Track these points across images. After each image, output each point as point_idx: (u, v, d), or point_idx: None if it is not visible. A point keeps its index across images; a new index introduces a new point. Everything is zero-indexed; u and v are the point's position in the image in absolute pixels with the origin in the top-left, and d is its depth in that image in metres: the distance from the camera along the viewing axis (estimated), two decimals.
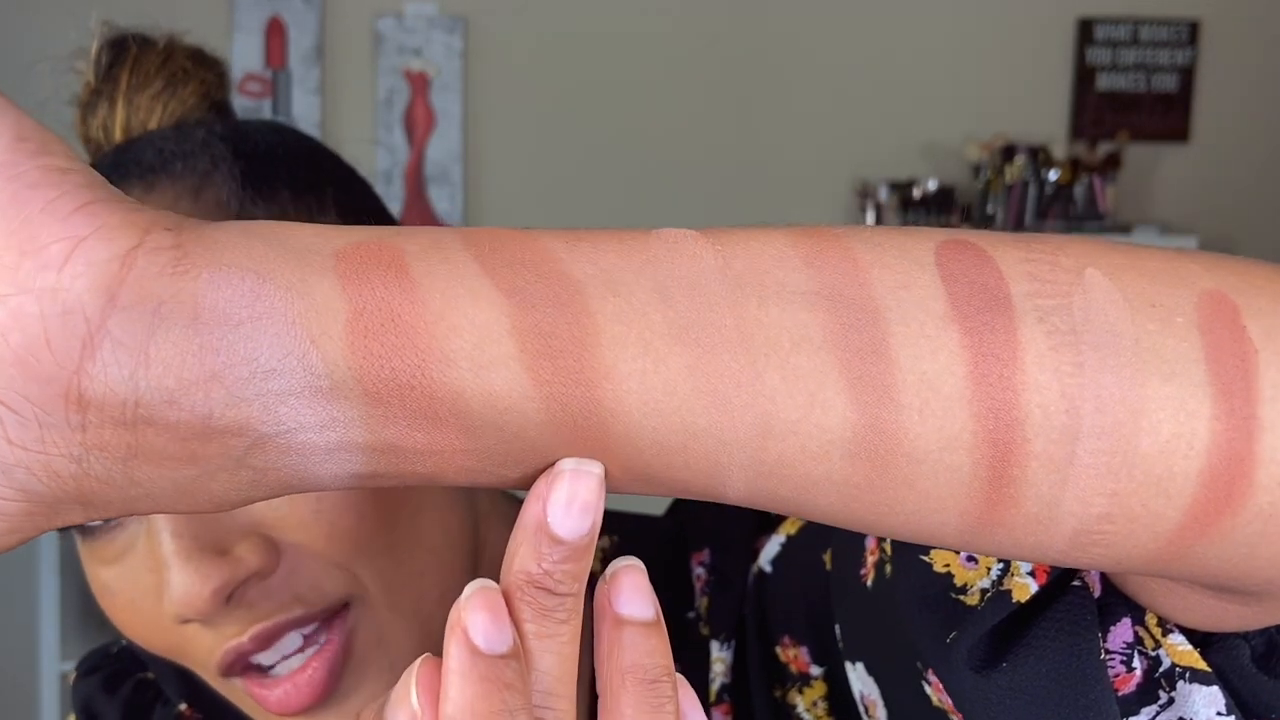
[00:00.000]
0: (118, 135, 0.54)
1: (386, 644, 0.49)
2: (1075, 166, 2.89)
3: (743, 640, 0.56)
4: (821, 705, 0.53)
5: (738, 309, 0.28)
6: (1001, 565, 0.41)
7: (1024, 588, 0.40)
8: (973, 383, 0.28)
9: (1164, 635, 0.38)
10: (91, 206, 0.27)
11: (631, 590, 0.31)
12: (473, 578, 0.54)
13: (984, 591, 0.41)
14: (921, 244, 0.29)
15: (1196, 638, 0.37)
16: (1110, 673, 0.38)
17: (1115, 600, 0.39)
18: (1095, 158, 2.92)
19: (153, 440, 0.27)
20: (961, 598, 0.42)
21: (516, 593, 0.30)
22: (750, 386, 0.28)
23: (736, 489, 0.29)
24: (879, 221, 2.87)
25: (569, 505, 0.29)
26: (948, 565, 0.43)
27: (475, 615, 0.29)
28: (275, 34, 2.78)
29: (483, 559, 0.56)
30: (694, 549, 0.60)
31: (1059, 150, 2.91)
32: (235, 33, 2.74)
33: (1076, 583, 0.39)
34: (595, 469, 0.29)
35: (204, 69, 0.56)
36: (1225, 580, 0.31)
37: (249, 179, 0.50)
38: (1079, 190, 2.90)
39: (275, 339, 0.27)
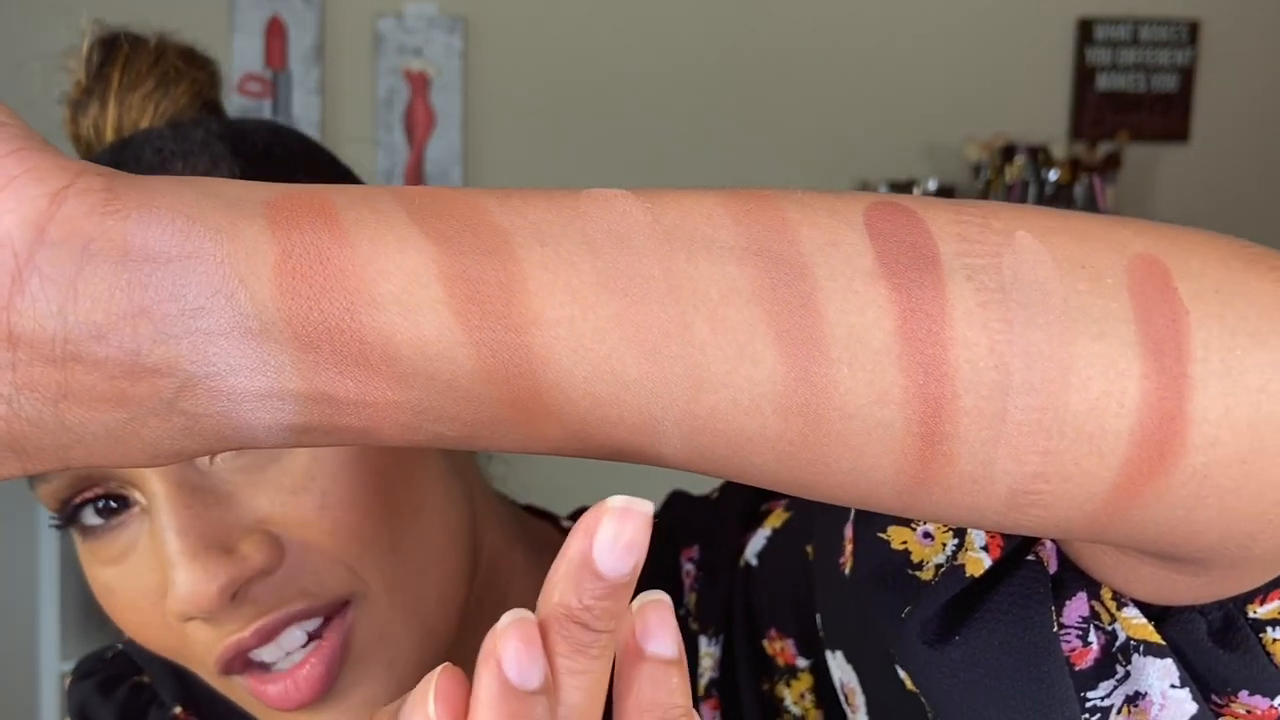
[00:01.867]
0: (109, 135, 0.54)
1: (387, 642, 0.49)
2: (1075, 166, 2.89)
3: (730, 635, 0.56)
4: (809, 697, 0.53)
5: (666, 261, 0.28)
6: (956, 541, 0.41)
7: (977, 562, 0.40)
8: (901, 338, 0.28)
9: (1119, 609, 0.38)
10: (24, 151, 0.27)
11: (659, 626, 0.31)
12: (471, 578, 0.54)
13: (938, 567, 0.42)
14: (851, 205, 0.30)
15: (1154, 611, 0.37)
16: (1066, 647, 0.38)
17: (1071, 575, 0.39)
18: (1095, 158, 2.92)
19: (82, 379, 0.27)
20: (917, 574, 0.42)
21: (554, 625, 0.29)
22: (679, 337, 0.28)
23: (673, 446, 0.30)
24: None
25: (614, 543, 0.28)
26: (905, 542, 0.43)
27: (510, 646, 0.29)
28: (275, 34, 2.78)
29: (481, 559, 0.56)
30: (684, 545, 0.60)
31: (1059, 150, 2.91)
32: (235, 33, 2.75)
33: (1031, 557, 0.39)
34: (645, 508, 0.28)
35: (196, 68, 0.56)
36: (1166, 546, 0.31)
37: (247, 178, 0.50)
38: (1079, 190, 2.90)
39: (204, 277, 0.27)
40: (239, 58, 2.75)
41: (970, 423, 0.28)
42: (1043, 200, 2.88)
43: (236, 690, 0.49)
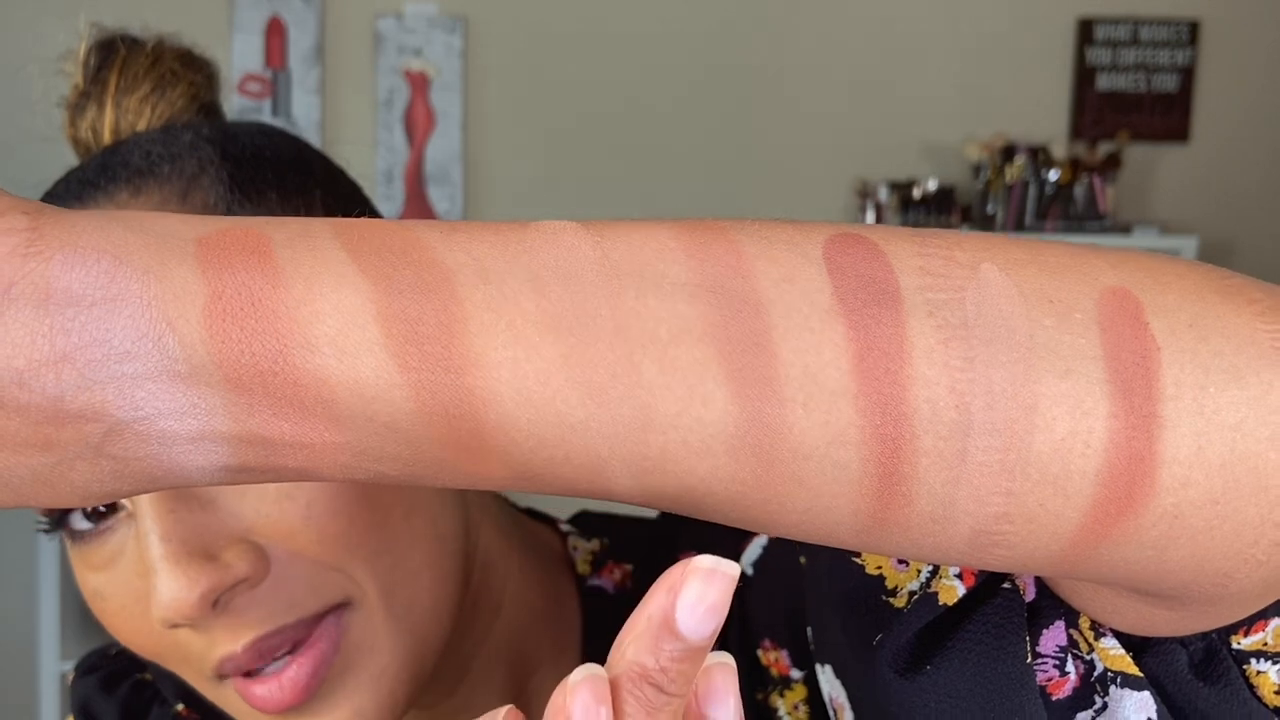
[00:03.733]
0: (106, 137, 0.54)
1: (378, 650, 0.48)
2: (1075, 166, 2.89)
3: (724, 643, 0.56)
4: (803, 709, 0.53)
5: (614, 299, 0.28)
6: (931, 568, 0.41)
7: (951, 590, 0.39)
8: (858, 377, 0.27)
9: (1096, 639, 0.37)
10: None
11: (724, 692, 0.30)
12: (464, 582, 0.54)
13: (912, 594, 0.41)
14: (810, 238, 0.29)
15: (1133, 641, 0.37)
16: (1043, 676, 0.37)
17: (1049, 603, 0.38)
18: (1095, 158, 2.91)
19: (5, 424, 0.27)
20: (890, 600, 0.42)
21: (627, 684, 0.28)
22: (627, 378, 0.27)
23: (623, 485, 0.29)
24: (879, 221, 2.87)
25: (698, 604, 0.27)
26: (880, 568, 0.42)
27: (581, 703, 0.28)
28: (275, 34, 2.78)
29: (474, 563, 0.56)
30: (683, 552, 0.60)
31: (1059, 150, 2.91)
32: (235, 33, 2.75)
33: (1007, 585, 0.39)
34: (731, 570, 0.27)
35: (193, 70, 0.56)
36: (1138, 583, 0.31)
37: (236, 182, 0.50)
38: (1079, 190, 2.90)
39: (130, 321, 0.26)
40: (239, 58, 2.75)
41: (930, 464, 0.28)
42: (1042, 200, 2.88)
43: (227, 698, 0.49)
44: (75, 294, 0.26)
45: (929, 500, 0.28)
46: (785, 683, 0.53)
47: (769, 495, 0.28)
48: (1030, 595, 0.38)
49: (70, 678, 0.67)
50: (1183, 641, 0.36)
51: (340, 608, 0.48)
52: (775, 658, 0.53)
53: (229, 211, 0.49)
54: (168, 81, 0.54)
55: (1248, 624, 0.35)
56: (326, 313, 0.27)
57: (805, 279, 0.28)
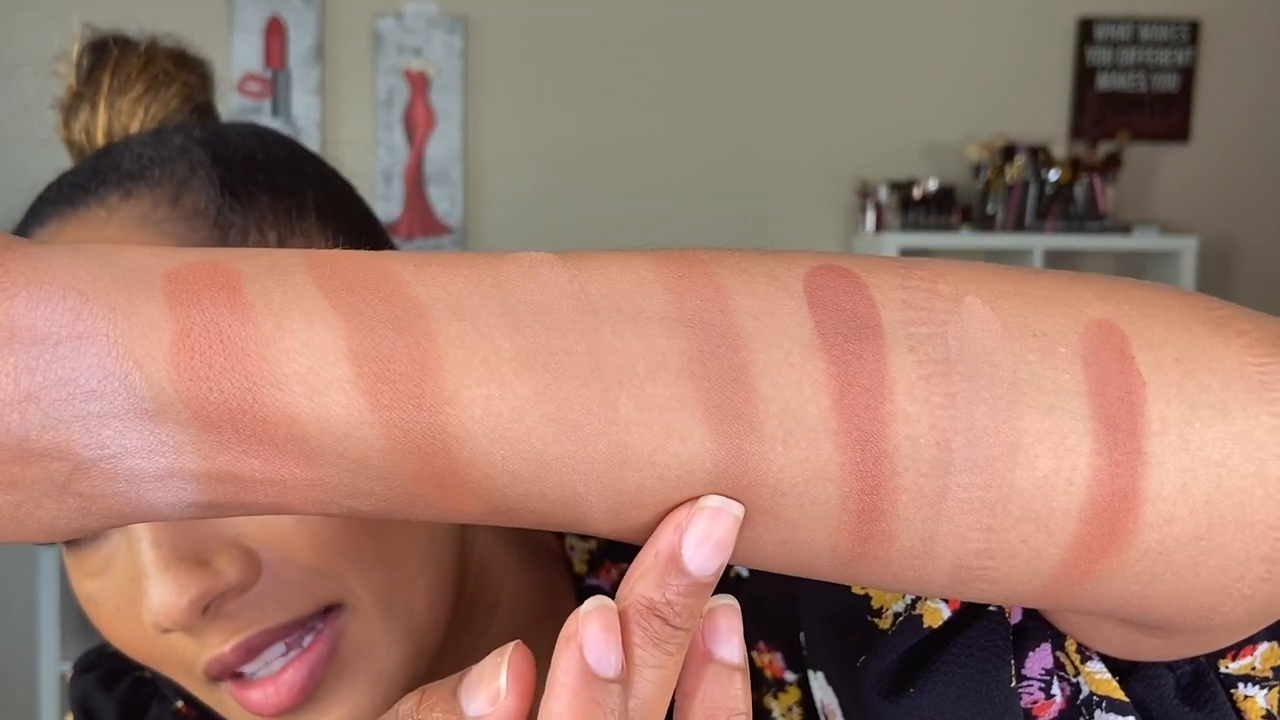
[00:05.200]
0: (100, 139, 0.54)
1: (374, 653, 0.48)
2: (1075, 166, 2.89)
3: None
4: (796, 711, 0.53)
5: (590, 335, 0.27)
6: None
7: (936, 613, 0.39)
8: (838, 413, 0.27)
9: (1083, 662, 0.37)
10: None
11: (728, 631, 0.31)
12: (460, 584, 0.54)
13: (897, 615, 0.41)
14: (791, 270, 0.29)
15: (1121, 665, 0.36)
16: (1028, 699, 0.37)
17: (1035, 625, 0.38)
18: (1095, 158, 2.91)
19: None
20: (875, 620, 0.41)
21: (635, 616, 0.29)
22: (602, 415, 0.27)
23: (600, 519, 0.29)
24: (879, 221, 2.87)
25: (704, 541, 0.28)
26: (865, 588, 0.42)
27: (592, 632, 0.28)
28: (275, 34, 2.78)
29: (470, 564, 0.56)
30: None
31: (1059, 150, 2.91)
32: (235, 33, 2.75)
33: (992, 608, 0.38)
34: (736, 510, 0.28)
35: (186, 71, 0.55)
36: (1124, 616, 0.30)
37: (227, 184, 0.49)
38: (1079, 190, 2.90)
39: (95, 359, 0.26)
40: (238, 57, 2.75)
41: (910, 500, 0.27)
42: (1042, 200, 2.88)
43: (223, 702, 0.49)
44: (40, 332, 0.26)
45: (909, 536, 0.28)
46: (780, 685, 0.53)
47: (747, 531, 0.28)
48: (1016, 618, 0.38)
49: (69, 676, 0.67)
50: (1170, 666, 0.36)
51: (334, 609, 0.48)
52: (769, 660, 0.53)
53: (218, 213, 0.48)
54: (161, 82, 0.54)
55: (1236, 648, 0.35)
56: (296, 350, 0.27)
57: (785, 313, 0.28)
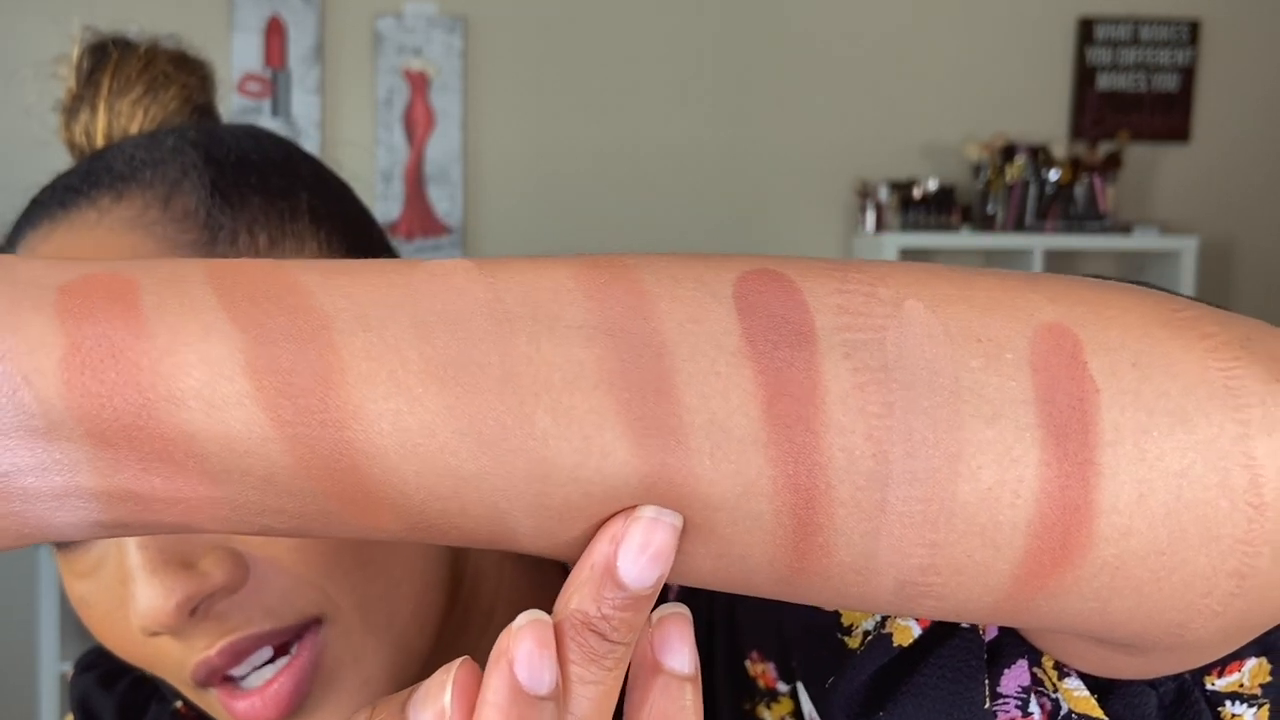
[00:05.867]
0: (100, 141, 0.54)
1: (359, 662, 0.48)
2: (1075, 166, 2.89)
3: (713, 652, 0.55)
4: None
5: (505, 344, 0.26)
6: None
7: (906, 631, 0.38)
8: (768, 424, 0.26)
9: (1060, 678, 0.35)
10: None
11: (678, 641, 0.30)
12: (452, 591, 0.54)
13: (866, 634, 0.39)
14: (721, 275, 0.27)
15: (1101, 682, 0.35)
16: (1004, 717, 0.36)
17: (1010, 641, 0.36)
18: (1095, 157, 2.91)
19: None
20: (845, 638, 0.40)
21: (570, 631, 0.28)
22: (518, 429, 0.26)
23: (528, 536, 0.27)
24: (879, 221, 2.87)
25: (641, 551, 0.26)
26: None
27: (524, 649, 0.27)
28: (275, 34, 2.78)
29: (464, 570, 0.55)
30: None
31: (1059, 150, 2.91)
32: (235, 32, 2.75)
33: (965, 625, 0.37)
34: (674, 519, 0.26)
35: (186, 72, 0.55)
36: (1086, 632, 0.29)
37: (218, 186, 0.49)
38: (1079, 190, 2.90)
39: None
40: (238, 57, 2.75)
41: (847, 514, 0.26)
42: (1042, 200, 2.88)
43: (214, 706, 0.49)
44: None
45: (848, 551, 0.27)
46: (772, 695, 0.52)
47: (682, 544, 0.27)
48: (992, 634, 0.37)
49: (70, 676, 0.67)
50: (1152, 683, 0.34)
51: (317, 622, 0.47)
52: (763, 669, 0.53)
53: (209, 216, 0.48)
54: (160, 84, 0.54)
55: (1222, 664, 0.33)
56: (192, 364, 0.25)
57: (712, 319, 0.26)
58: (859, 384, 0.26)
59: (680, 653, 0.29)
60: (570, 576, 0.28)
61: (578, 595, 0.28)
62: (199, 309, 0.26)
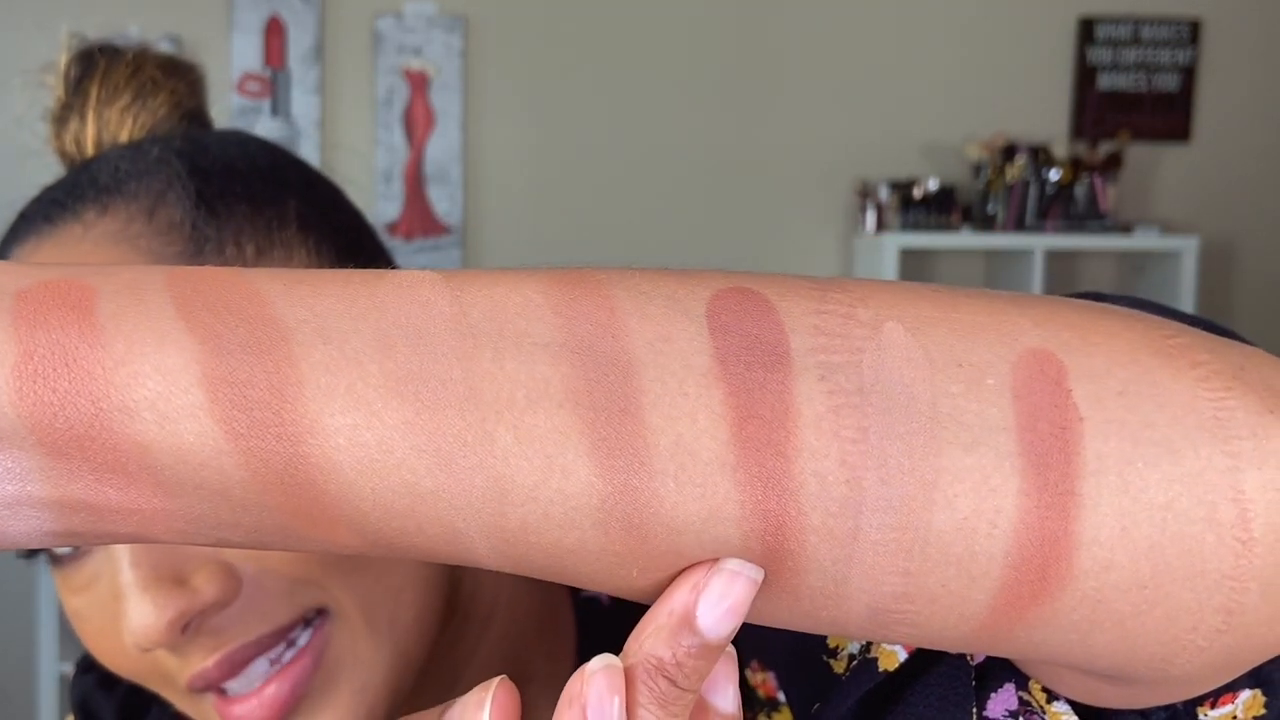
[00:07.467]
0: (90, 149, 0.54)
1: (358, 664, 0.48)
2: (1076, 166, 2.89)
3: None
4: None
5: (468, 360, 0.26)
6: None
7: (891, 656, 0.37)
8: (736, 447, 0.25)
9: (1048, 702, 0.35)
10: None
11: (725, 680, 0.29)
12: (450, 595, 0.54)
13: (851, 658, 0.39)
14: (695, 292, 0.27)
15: (1092, 708, 0.34)
16: None
17: (997, 664, 0.36)
18: (1096, 157, 2.91)
19: None
20: (830, 661, 0.40)
21: (641, 675, 0.27)
22: (478, 447, 0.25)
23: (484, 554, 0.27)
24: (879, 221, 2.87)
25: (719, 603, 0.26)
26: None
27: (596, 693, 0.27)
28: (274, 33, 2.78)
29: (464, 573, 0.55)
30: None
31: (1060, 150, 2.91)
32: (234, 32, 2.74)
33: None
34: (754, 573, 0.26)
35: (175, 78, 0.55)
36: (1068, 663, 0.29)
37: (203, 196, 0.49)
38: (1080, 190, 2.90)
39: None
40: (238, 57, 2.75)
41: (819, 541, 0.26)
42: (1043, 200, 2.87)
43: (208, 715, 0.48)
44: None
45: (820, 577, 0.26)
46: (773, 705, 0.52)
47: (645, 565, 0.27)
48: (979, 657, 0.36)
49: (69, 676, 0.67)
50: (1144, 712, 0.33)
51: (318, 615, 0.47)
52: (763, 679, 0.52)
53: (193, 227, 0.48)
54: (148, 90, 0.54)
55: (1215, 694, 0.32)
56: (147, 374, 0.25)
57: (683, 338, 0.26)
58: (833, 407, 0.25)
59: (726, 691, 0.29)
60: (644, 620, 0.28)
61: (652, 640, 0.27)
62: (156, 317, 0.26)
